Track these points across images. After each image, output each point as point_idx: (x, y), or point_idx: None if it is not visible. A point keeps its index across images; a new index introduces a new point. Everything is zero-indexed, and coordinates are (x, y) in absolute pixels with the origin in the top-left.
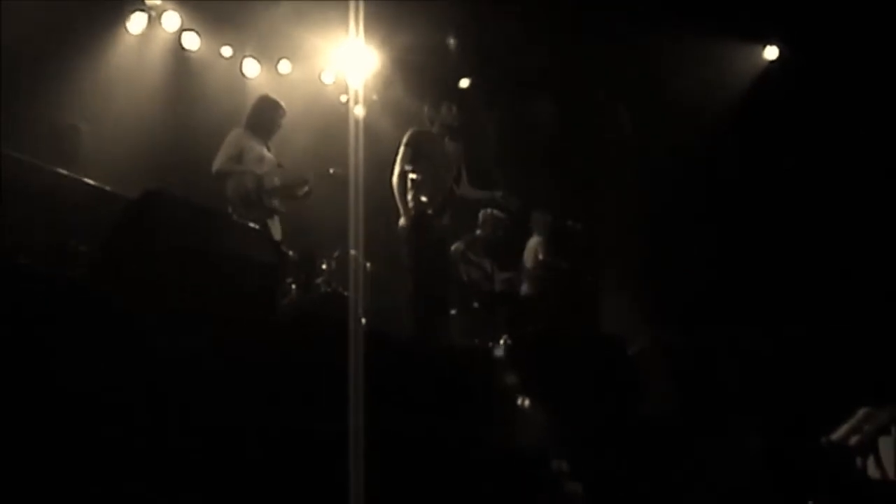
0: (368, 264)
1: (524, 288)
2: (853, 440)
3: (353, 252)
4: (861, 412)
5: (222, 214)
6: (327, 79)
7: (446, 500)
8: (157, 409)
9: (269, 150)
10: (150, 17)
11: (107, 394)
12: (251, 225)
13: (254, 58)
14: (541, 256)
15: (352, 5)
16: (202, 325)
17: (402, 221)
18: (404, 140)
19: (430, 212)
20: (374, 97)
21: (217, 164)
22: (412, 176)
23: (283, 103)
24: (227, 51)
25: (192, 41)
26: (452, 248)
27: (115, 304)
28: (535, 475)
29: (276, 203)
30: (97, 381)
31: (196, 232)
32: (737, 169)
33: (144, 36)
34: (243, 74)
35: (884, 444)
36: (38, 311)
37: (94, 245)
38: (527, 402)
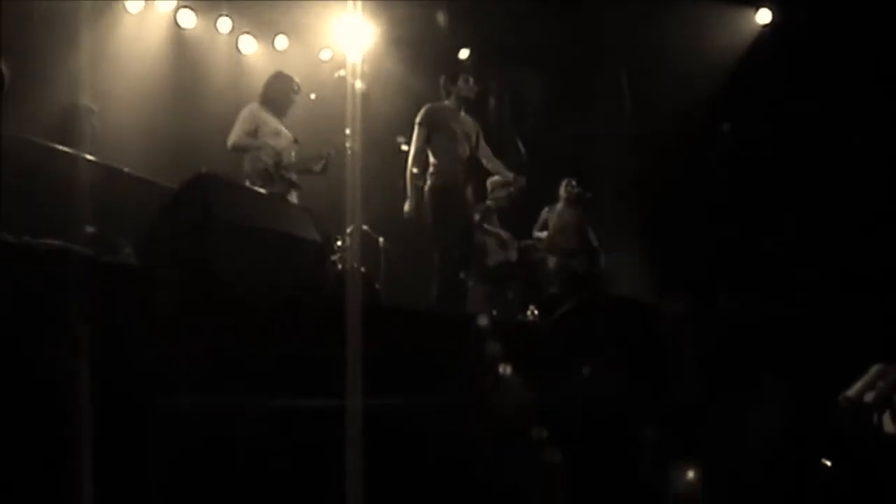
0: (381, 239)
1: (552, 259)
2: (868, 397)
3: (365, 228)
4: (874, 368)
5: (273, 195)
6: (325, 54)
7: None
8: (199, 389)
9: (283, 125)
10: None
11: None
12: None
13: (250, 34)
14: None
15: None
16: (252, 305)
17: (406, 206)
18: (417, 119)
19: (451, 185)
20: (374, 71)
21: (233, 138)
22: (431, 153)
23: (297, 79)
24: (223, 27)
25: (187, 18)
26: None
27: (167, 285)
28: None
29: (293, 178)
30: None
31: (250, 213)
32: (733, 136)
33: (143, 14)
34: (239, 51)
35: None
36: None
37: (110, 227)
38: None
